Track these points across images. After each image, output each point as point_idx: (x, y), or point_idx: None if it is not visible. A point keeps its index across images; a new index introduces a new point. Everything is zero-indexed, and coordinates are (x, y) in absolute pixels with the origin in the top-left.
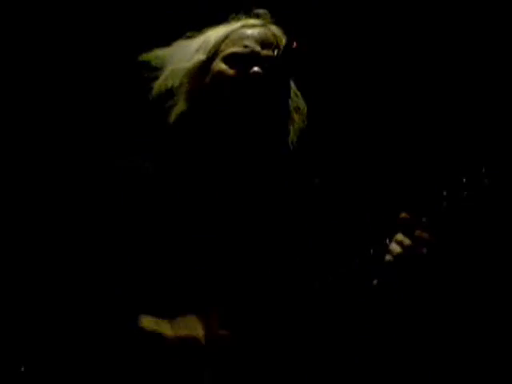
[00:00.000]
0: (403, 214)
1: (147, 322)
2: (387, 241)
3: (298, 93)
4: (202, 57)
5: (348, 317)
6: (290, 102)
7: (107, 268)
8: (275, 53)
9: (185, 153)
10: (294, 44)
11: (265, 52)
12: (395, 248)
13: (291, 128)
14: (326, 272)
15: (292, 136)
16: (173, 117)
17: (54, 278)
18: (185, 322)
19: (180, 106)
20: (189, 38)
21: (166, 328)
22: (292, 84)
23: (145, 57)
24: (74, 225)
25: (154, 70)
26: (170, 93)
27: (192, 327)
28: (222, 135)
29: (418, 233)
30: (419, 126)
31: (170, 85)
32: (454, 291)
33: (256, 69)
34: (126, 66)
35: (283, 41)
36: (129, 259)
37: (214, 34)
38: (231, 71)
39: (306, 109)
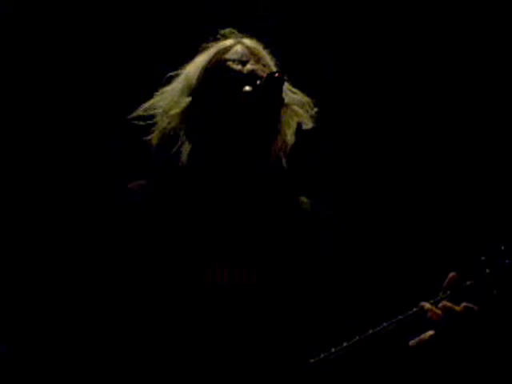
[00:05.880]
0: (452, 274)
1: None
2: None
3: (296, 90)
4: (188, 99)
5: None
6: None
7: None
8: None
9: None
10: (277, 74)
11: (248, 67)
12: (439, 313)
13: (292, 123)
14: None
15: (306, 123)
16: (184, 157)
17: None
18: None
19: (186, 146)
20: (170, 79)
21: None
22: (287, 83)
23: (134, 113)
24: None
25: (148, 119)
26: (170, 137)
27: None
28: (230, 158)
29: (464, 304)
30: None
31: (167, 132)
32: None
33: (247, 88)
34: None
35: (259, 49)
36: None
37: (193, 70)
38: (224, 101)
39: (310, 102)
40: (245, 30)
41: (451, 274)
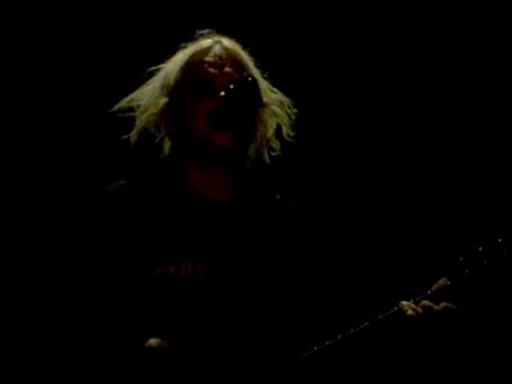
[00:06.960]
0: (442, 279)
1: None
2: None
3: (275, 89)
4: (165, 99)
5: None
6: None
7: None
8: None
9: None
10: (249, 78)
11: (224, 71)
12: (419, 312)
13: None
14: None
15: (286, 130)
16: (166, 150)
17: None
18: None
19: (166, 140)
20: (150, 74)
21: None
22: (266, 83)
23: (115, 107)
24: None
25: (128, 111)
26: (150, 135)
27: None
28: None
29: (444, 304)
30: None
31: (145, 127)
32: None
33: (222, 93)
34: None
35: (237, 50)
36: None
37: (171, 69)
38: (203, 104)
39: (289, 102)
40: (229, 30)
41: (441, 280)
